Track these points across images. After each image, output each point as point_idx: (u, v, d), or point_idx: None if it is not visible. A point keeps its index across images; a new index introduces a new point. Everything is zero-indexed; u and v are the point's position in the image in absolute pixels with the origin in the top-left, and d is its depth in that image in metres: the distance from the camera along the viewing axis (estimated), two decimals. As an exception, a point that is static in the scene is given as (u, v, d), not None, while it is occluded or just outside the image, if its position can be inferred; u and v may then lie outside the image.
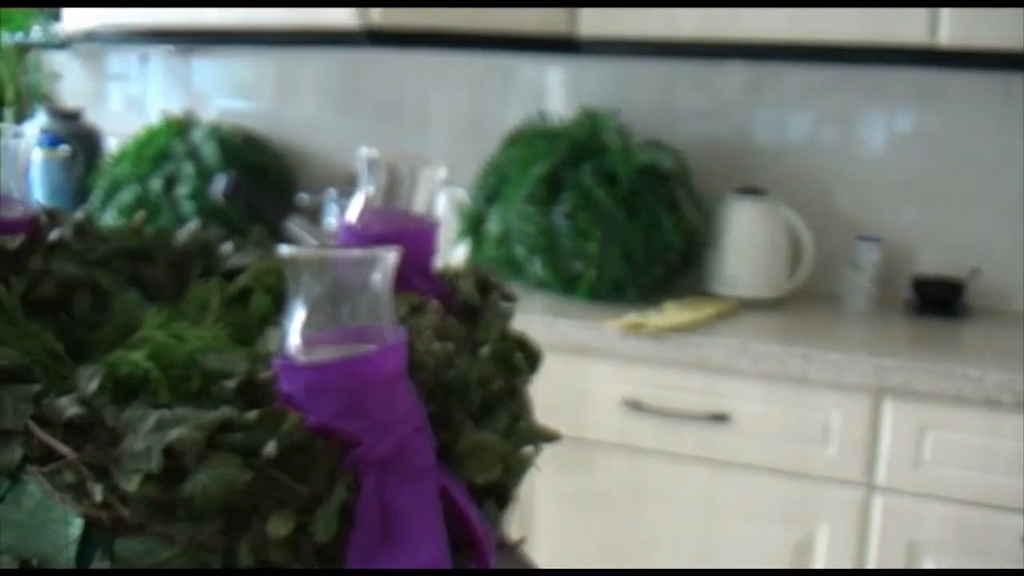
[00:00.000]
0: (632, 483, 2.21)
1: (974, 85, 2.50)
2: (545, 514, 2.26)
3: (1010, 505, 1.95)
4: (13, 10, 3.16)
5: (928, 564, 2.02)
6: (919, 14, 2.19)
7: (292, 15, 2.53)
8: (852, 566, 2.07)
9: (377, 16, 2.46)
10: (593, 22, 2.45)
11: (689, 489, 2.17)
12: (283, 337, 0.64)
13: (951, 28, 2.18)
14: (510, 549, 0.83)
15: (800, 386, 2.07)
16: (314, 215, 2.88)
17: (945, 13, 2.17)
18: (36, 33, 3.16)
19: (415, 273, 0.81)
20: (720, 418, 2.12)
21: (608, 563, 2.23)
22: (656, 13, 2.37)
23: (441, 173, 0.86)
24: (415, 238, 0.82)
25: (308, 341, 0.63)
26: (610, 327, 2.17)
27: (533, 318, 2.21)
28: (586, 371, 2.22)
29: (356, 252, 0.65)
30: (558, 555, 2.25)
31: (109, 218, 2.74)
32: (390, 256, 0.64)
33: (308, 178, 3.07)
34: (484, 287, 0.84)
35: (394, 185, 0.85)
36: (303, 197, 2.91)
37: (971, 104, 2.52)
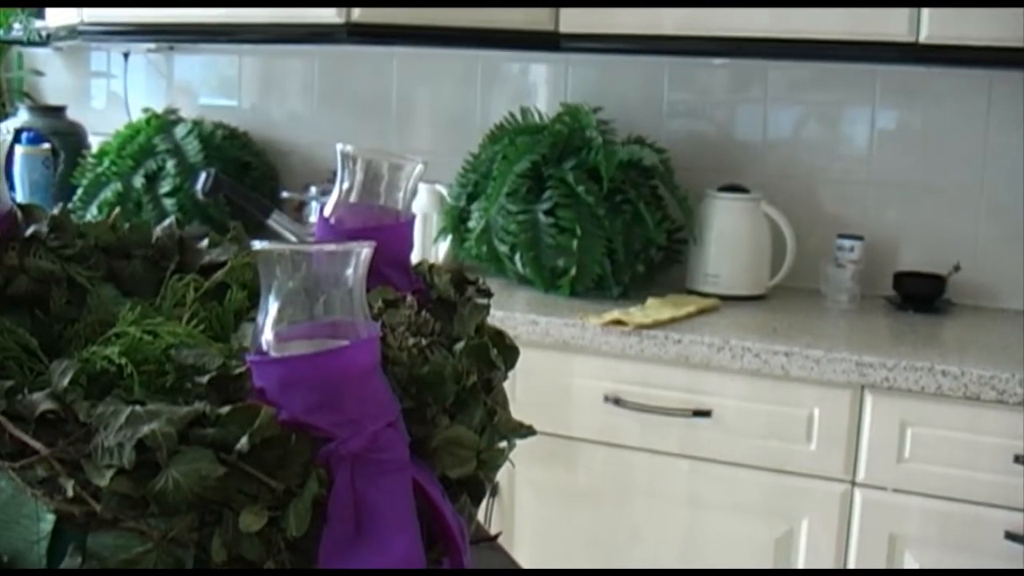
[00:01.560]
0: (615, 479, 2.21)
1: (956, 82, 2.51)
2: (528, 509, 2.27)
3: (991, 500, 1.96)
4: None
5: (909, 559, 2.02)
6: (901, 10, 2.20)
7: (275, 11, 2.53)
8: (834, 561, 2.07)
9: (359, 11, 2.46)
10: (576, 18, 2.45)
11: (672, 485, 2.17)
12: (256, 332, 0.64)
13: (933, 24, 2.19)
14: (487, 543, 0.83)
15: (782, 382, 2.07)
16: (297, 211, 2.88)
17: (927, 9, 2.18)
18: (17, 30, 3.14)
19: (391, 268, 0.81)
20: (702, 414, 2.12)
21: (591, 559, 2.23)
22: (639, 9, 2.37)
23: (419, 169, 0.86)
24: (391, 233, 0.82)
25: (281, 336, 0.63)
26: (592, 323, 2.17)
27: (515, 314, 2.21)
28: (568, 367, 2.22)
29: (328, 247, 0.64)
30: (540, 551, 2.25)
31: (91, 215, 2.74)
32: (363, 251, 0.64)
33: (291, 174, 3.06)
34: (460, 282, 0.84)
35: (372, 181, 0.85)
36: (286, 194, 2.91)
37: (953, 101, 2.52)
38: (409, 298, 0.76)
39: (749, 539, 2.12)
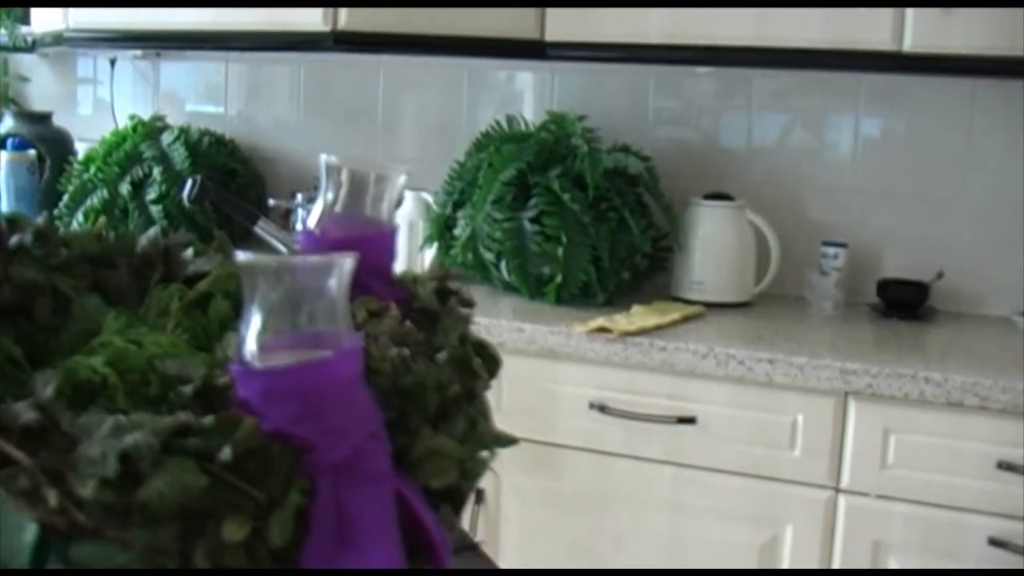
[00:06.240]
0: (599, 486, 2.21)
1: (939, 90, 2.52)
2: (513, 516, 2.27)
3: (974, 507, 1.97)
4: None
5: (893, 565, 2.03)
6: (885, 20, 2.21)
7: (261, 18, 2.53)
8: (818, 567, 2.08)
9: (346, 19, 2.47)
10: (562, 26, 2.46)
11: (656, 491, 2.17)
12: (240, 343, 0.64)
13: (916, 33, 2.20)
14: (470, 550, 0.83)
15: (766, 389, 2.08)
16: (284, 218, 2.87)
17: (910, 19, 2.20)
18: (2, 35, 3.14)
19: (374, 278, 0.81)
20: (687, 421, 2.13)
21: (575, 565, 2.23)
22: (624, 17, 2.38)
23: (402, 179, 0.87)
24: (375, 243, 0.82)
25: (264, 347, 0.63)
26: (577, 331, 2.18)
27: (501, 322, 2.21)
28: (553, 374, 2.22)
29: (312, 258, 0.65)
30: (525, 557, 2.25)
31: (77, 222, 2.73)
32: (347, 262, 0.64)
33: (277, 182, 3.07)
34: (443, 292, 0.84)
35: (356, 191, 0.85)
36: (272, 201, 2.91)
37: (937, 109, 2.54)
38: (392, 308, 0.77)
39: (733, 545, 2.13)
